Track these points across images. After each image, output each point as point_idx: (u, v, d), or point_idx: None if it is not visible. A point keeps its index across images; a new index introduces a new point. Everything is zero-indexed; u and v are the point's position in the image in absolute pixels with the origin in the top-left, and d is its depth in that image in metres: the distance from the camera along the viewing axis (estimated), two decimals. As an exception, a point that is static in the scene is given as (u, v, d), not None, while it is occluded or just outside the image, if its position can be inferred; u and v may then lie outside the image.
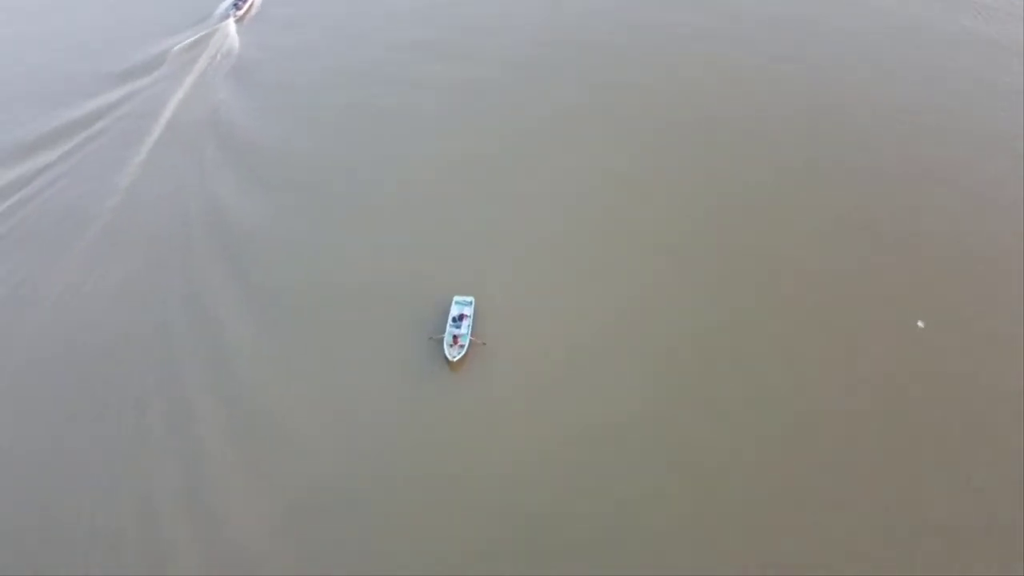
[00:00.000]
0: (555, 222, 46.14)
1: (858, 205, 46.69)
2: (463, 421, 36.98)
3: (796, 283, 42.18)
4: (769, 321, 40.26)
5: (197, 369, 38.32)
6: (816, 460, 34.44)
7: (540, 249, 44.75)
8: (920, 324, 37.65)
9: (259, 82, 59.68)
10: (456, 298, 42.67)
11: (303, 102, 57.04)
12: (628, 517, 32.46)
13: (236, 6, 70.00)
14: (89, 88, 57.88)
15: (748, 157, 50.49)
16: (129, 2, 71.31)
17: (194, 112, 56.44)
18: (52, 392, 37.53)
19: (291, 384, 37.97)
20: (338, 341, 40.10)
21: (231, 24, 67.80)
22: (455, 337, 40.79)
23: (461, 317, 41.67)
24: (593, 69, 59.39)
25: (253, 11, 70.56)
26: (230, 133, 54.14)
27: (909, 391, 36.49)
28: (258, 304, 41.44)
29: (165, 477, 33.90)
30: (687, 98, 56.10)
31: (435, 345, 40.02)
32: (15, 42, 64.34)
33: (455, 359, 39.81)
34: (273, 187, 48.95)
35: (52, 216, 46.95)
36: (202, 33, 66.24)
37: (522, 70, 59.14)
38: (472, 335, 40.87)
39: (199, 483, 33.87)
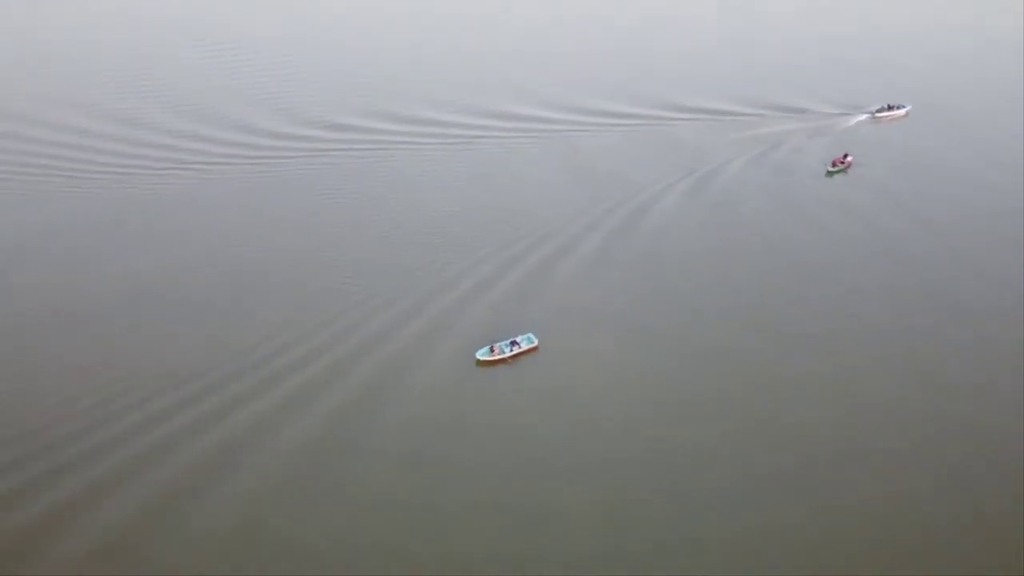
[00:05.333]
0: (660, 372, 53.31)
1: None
2: (461, 396, 50.16)
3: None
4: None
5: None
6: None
7: (627, 366, 53.29)
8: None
9: (816, 157, 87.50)
10: (529, 334, 54.39)
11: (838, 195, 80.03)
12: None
13: (881, 109, 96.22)
14: (755, 106, 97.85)
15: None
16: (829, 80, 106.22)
17: (788, 140, 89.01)
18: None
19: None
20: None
21: (862, 118, 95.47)
22: (494, 347, 52.87)
23: (514, 343, 53.34)
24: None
25: (891, 118, 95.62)
26: (780, 157, 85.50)
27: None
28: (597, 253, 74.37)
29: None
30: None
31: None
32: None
33: (480, 356, 51.88)
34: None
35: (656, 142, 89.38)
36: (842, 113, 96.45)
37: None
38: (505, 354, 52.50)
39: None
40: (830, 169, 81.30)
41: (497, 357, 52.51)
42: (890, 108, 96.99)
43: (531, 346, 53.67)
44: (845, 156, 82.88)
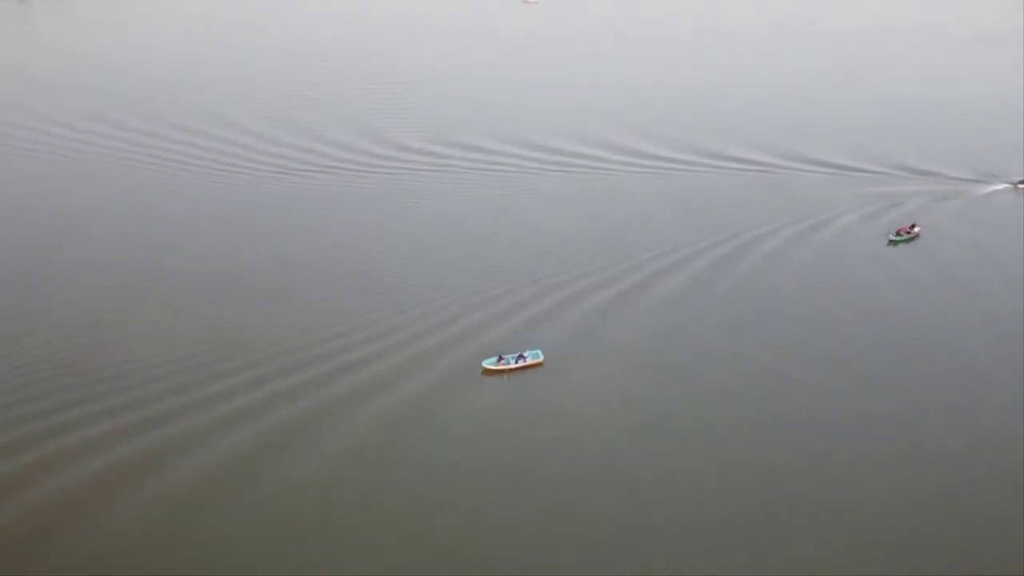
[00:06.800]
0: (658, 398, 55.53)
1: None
2: (454, 396, 54.17)
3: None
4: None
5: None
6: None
7: (629, 394, 55.44)
8: None
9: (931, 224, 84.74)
10: (537, 350, 57.87)
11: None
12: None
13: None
14: (884, 164, 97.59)
15: None
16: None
17: (907, 203, 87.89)
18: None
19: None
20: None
21: (1000, 187, 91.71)
22: (501, 356, 56.58)
23: (521, 356, 56.89)
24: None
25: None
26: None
27: None
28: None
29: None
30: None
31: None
32: None
33: (485, 364, 55.66)
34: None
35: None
36: (977, 180, 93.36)
37: None
38: (510, 365, 56.05)
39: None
40: (893, 238, 77.32)
41: (502, 367, 56.55)
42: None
43: (536, 361, 57.35)
44: (912, 226, 78.62)
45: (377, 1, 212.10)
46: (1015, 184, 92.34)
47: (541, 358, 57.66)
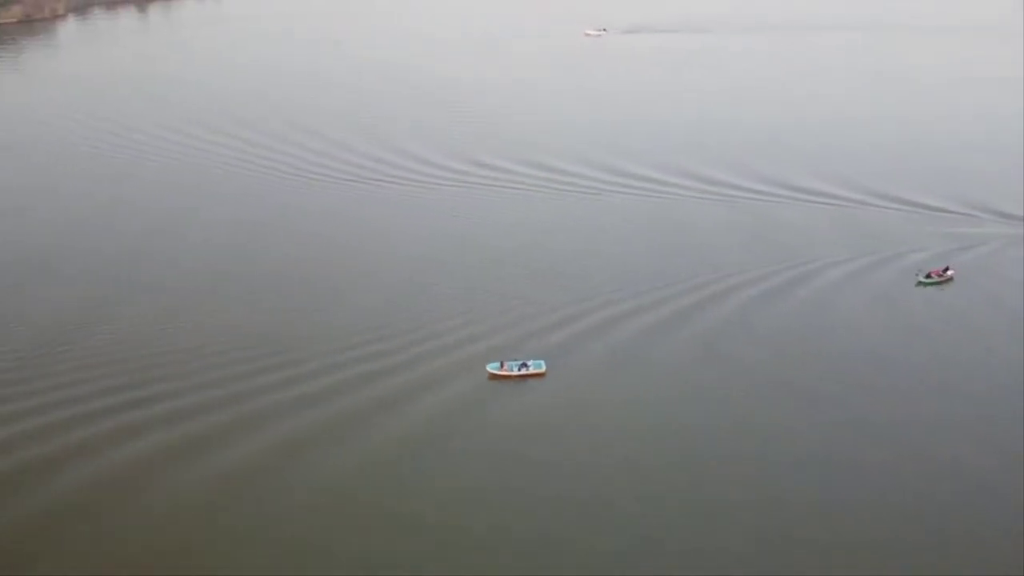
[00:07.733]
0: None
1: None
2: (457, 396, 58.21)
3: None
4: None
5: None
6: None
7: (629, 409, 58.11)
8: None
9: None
10: (540, 360, 60.72)
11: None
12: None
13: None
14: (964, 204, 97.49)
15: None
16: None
17: (984, 243, 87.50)
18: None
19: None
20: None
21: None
22: (503, 363, 59.93)
23: (525, 365, 59.98)
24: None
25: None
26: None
27: None
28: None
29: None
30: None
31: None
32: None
33: (489, 368, 59.15)
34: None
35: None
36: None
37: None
38: (512, 372, 59.32)
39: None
40: (922, 279, 77.74)
41: (505, 373, 59.75)
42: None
43: (538, 371, 60.19)
44: (945, 270, 78.73)
45: (455, 30, 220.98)
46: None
47: (543, 368, 60.49)
